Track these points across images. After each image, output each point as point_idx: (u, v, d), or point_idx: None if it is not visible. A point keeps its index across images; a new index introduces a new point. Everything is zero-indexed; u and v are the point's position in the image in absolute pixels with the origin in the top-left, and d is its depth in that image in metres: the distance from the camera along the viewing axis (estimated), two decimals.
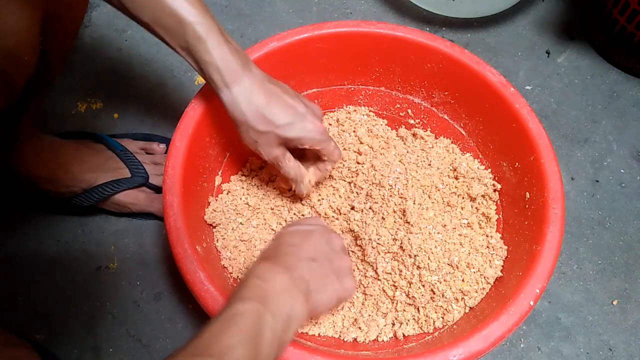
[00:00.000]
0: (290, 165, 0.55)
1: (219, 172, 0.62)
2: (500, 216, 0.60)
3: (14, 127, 0.58)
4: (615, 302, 0.65)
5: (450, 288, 0.54)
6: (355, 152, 0.64)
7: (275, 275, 0.41)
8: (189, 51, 0.48)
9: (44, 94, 0.62)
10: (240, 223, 0.61)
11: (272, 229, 0.61)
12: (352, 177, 0.62)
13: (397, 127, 0.68)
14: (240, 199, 0.62)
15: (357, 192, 0.61)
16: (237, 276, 0.57)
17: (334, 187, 0.62)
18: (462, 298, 0.54)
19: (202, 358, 0.33)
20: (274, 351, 0.37)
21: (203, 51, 0.48)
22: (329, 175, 0.63)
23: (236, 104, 0.50)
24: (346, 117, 0.68)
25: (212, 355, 0.34)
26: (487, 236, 0.58)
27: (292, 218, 0.61)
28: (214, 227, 0.59)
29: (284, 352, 0.43)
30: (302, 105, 0.52)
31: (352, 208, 0.60)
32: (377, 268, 0.56)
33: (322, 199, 0.62)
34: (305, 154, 0.58)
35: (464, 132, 0.64)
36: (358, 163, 0.63)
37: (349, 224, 0.59)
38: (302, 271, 0.43)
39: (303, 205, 0.62)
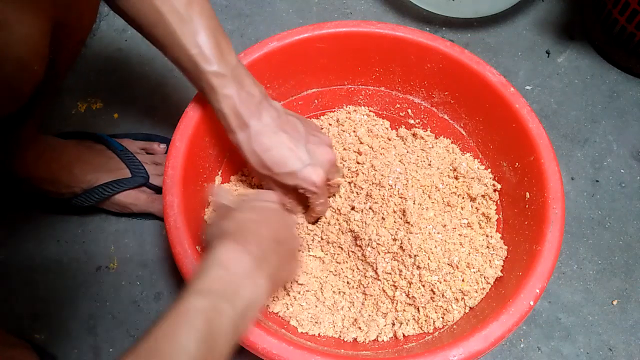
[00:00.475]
0: (289, 202, 0.58)
1: (219, 172, 0.62)
2: (500, 216, 0.60)
3: (17, 131, 0.58)
4: (615, 302, 0.65)
5: (450, 288, 0.54)
6: (355, 152, 0.64)
7: (241, 259, 0.40)
8: (204, 93, 0.52)
9: (49, 101, 0.62)
10: None
11: None
12: (352, 177, 0.62)
13: (397, 127, 0.68)
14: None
15: (357, 192, 0.61)
16: None
17: None
18: (462, 298, 0.54)
19: None
20: (232, 339, 0.37)
21: (214, 100, 0.51)
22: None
23: (240, 147, 0.53)
24: (346, 117, 0.68)
25: (164, 357, 0.33)
26: (487, 236, 0.58)
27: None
28: None
29: (247, 335, 0.44)
30: (306, 154, 0.53)
31: (352, 208, 0.60)
32: (377, 268, 0.56)
33: None
34: None
35: (464, 132, 0.64)
36: (358, 163, 0.63)
37: (348, 224, 0.59)
38: (267, 252, 0.43)
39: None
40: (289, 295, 0.57)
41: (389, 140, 0.66)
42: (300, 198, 0.58)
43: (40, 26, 0.40)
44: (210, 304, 0.36)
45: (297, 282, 0.58)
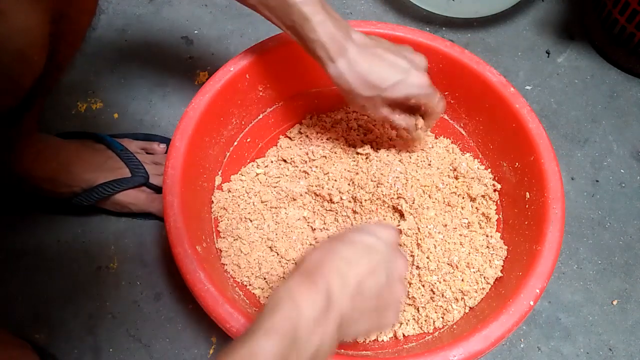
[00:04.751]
0: (400, 117, 0.57)
1: (219, 172, 0.62)
2: (500, 216, 0.60)
3: (16, 126, 0.58)
4: (615, 302, 0.65)
5: (450, 288, 0.54)
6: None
7: (312, 299, 0.35)
8: (295, 29, 0.50)
9: (48, 95, 0.62)
10: (242, 221, 0.61)
11: (272, 230, 0.61)
12: (351, 175, 0.62)
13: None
14: (240, 197, 0.62)
15: (357, 191, 0.61)
16: (237, 277, 0.57)
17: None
18: (462, 298, 0.54)
19: None
20: None
21: (308, 29, 0.50)
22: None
23: (342, 76, 0.52)
24: (346, 117, 0.67)
25: None
26: (487, 236, 0.58)
27: (289, 218, 0.61)
28: (217, 226, 0.59)
29: None
30: (405, 62, 0.53)
31: (353, 210, 0.60)
32: None
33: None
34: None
35: (464, 132, 0.64)
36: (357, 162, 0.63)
37: (347, 224, 0.59)
38: (342, 303, 0.36)
39: (304, 208, 0.62)
40: None
41: (389, 140, 0.66)
42: (412, 111, 0.58)
43: (39, 17, 0.40)
44: (278, 349, 0.32)
45: None
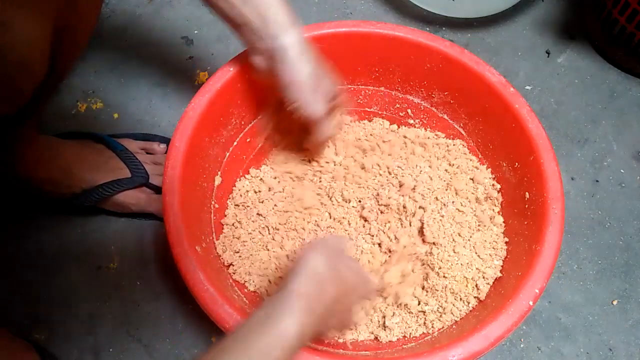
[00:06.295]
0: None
1: (219, 172, 0.62)
2: (500, 216, 0.60)
3: (16, 130, 0.58)
4: (615, 302, 0.65)
5: (450, 288, 0.54)
6: (358, 148, 0.64)
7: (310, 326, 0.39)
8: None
9: (48, 99, 0.62)
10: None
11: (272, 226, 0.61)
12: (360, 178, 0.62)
13: (397, 127, 0.68)
14: (241, 197, 0.62)
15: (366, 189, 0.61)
16: (237, 277, 0.57)
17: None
18: (461, 298, 0.54)
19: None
20: None
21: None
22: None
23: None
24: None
25: None
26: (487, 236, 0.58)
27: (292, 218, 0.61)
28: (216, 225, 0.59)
29: None
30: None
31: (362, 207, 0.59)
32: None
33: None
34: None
35: (463, 132, 0.64)
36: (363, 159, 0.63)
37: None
38: (319, 319, 0.41)
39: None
40: None
41: (383, 141, 0.66)
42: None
43: (42, 28, 0.40)
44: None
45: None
